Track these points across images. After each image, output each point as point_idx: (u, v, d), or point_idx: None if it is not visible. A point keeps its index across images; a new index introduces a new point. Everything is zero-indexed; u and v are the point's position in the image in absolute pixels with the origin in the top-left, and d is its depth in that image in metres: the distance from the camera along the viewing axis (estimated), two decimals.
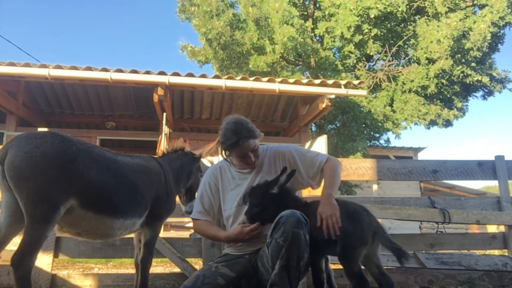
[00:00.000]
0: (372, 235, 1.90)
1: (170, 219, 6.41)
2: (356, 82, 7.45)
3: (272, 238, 1.76)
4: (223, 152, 2.17)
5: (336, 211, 1.89)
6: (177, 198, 2.71)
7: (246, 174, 2.22)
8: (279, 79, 7.08)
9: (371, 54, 10.69)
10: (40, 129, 2.86)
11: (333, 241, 1.90)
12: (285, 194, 2.04)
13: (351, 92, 7.23)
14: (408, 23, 10.71)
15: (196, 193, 2.72)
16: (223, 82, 6.78)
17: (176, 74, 6.75)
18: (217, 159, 3.20)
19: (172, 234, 8.42)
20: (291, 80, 7.07)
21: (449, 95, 10.44)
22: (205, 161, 3.16)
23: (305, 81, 7.18)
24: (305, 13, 12.03)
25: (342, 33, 10.01)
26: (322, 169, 2.18)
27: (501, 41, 10.37)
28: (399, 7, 9.60)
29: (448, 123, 10.89)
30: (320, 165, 2.19)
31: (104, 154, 2.08)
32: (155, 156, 2.62)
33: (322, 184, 2.20)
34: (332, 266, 2.22)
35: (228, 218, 2.22)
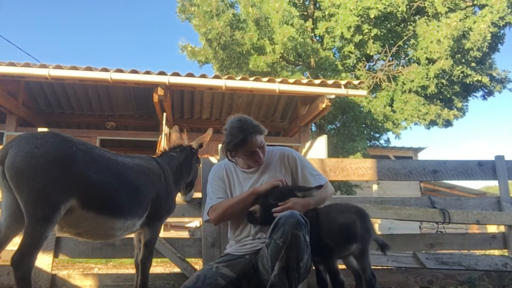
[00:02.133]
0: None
1: (170, 219, 6.41)
2: (356, 82, 7.45)
3: (271, 239, 1.76)
4: (229, 153, 2.16)
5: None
6: (177, 199, 2.71)
7: (250, 174, 2.21)
8: (279, 79, 7.08)
9: (371, 54, 10.70)
10: (40, 129, 2.85)
11: (351, 244, 2.06)
12: None
13: (351, 92, 7.23)
14: (408, 23, 10.71)
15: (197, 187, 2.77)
16: (223, 82, 6.78)
17: (176, 74, 6.76)
18: (215, 160, 3.20)
19: (172, 234, 8.43)
20: (291, 80, 7.07)
21: (449, 95, 10.44)
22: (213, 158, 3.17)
23: (305, 81, 7.18)
24: (305, 13, 12.03)
25: (342, 33, 10.01)
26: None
27: (501, 41, 10.38)
28: (399, 7, 9.60)
29: (448, 123, 10.89)
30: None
31: (105, 155, 2.08)
32: (154, 156, 2.61)
33: None
34: None
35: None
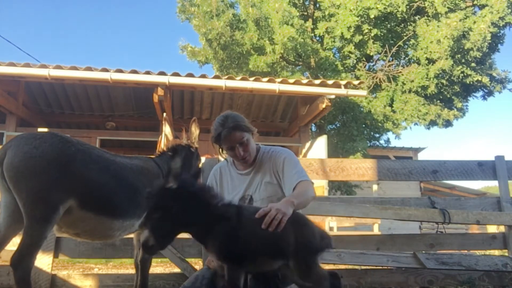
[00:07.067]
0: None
1: None
2: (356, 82, 7.45)
3: None
4: (217, 148, 2.15)
5: (287, 213, 1.64)
6: None
7: (244, 176, 2.19)
8: (279, 79, 7.08)
9: (371, 54, 10.70)
10: (40, 129, 2.86)
11: (275, 261, 1.66)
12: (200, 193, 1.57)
13: (351, 92, 7.23)
14: (408, 23, 10.72)
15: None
16: (223, 82, 6.78)
17: (176, 74, 6.76)
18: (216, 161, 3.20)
19: None
20: (291, 80, 7.07)
21: (449, 95, 10.45)
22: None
23: (305, 81, 7.18)
24: (305, 13, 12.03)
25: (342, 33, 10.01)
26: (295, 185, 1.97)
27: (501, 41, 10.39)
28: (399, 7, 9.61)
29: (448, 123, 10.90)
30: (296, 181, 1.98)
31: (103, 155, 2.08)
32: (152, 157, 2.61)
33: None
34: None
35: None
